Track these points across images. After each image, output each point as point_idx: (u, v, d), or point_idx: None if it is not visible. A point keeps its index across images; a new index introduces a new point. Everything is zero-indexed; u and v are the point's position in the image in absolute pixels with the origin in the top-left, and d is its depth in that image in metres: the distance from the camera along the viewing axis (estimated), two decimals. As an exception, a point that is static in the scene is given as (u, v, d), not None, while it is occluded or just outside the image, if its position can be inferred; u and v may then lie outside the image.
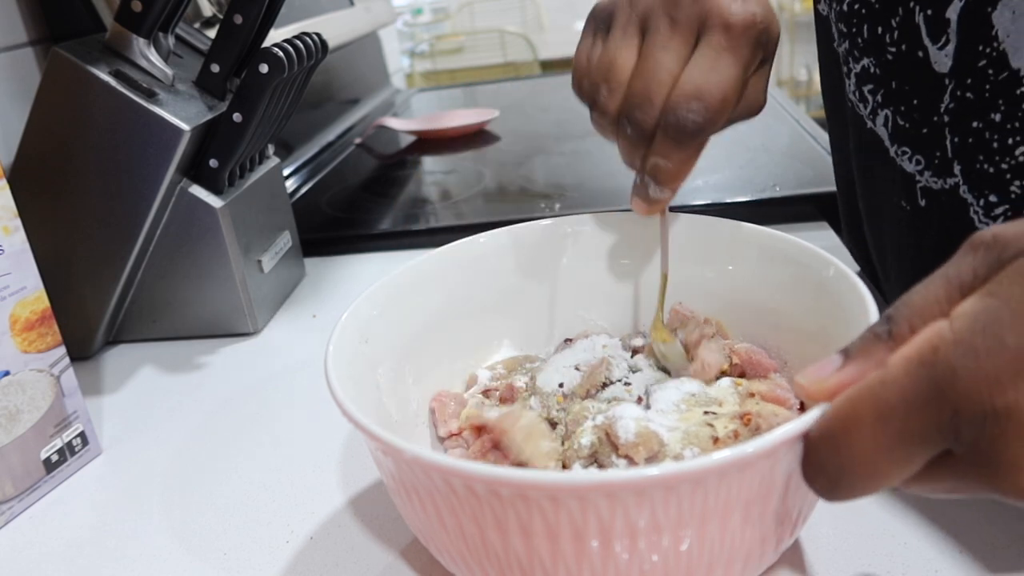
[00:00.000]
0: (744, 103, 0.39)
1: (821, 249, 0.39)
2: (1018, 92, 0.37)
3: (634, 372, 0.42)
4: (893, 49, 0.42)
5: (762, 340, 0.42)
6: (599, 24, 0.41)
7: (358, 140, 1.17)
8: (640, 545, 0.27)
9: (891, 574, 0.35)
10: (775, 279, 0.41)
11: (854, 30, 0.45)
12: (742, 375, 0.41)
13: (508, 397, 0.42)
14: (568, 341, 0.46)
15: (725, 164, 0.89)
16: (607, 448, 0.35)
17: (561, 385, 0.41)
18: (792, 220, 0.73)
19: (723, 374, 0.41)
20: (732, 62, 0.37)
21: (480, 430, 0.39)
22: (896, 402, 0.23)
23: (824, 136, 0.91)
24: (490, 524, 0.28)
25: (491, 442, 0.38)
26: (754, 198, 0.76)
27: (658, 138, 0.38)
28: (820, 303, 0.37)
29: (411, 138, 1.17)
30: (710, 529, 0.27)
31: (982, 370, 0.22)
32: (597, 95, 0.39)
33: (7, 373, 0.44)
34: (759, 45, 0.38)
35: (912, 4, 0.40)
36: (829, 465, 0.25)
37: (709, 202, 0.77)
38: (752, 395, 0.37)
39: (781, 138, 0.95)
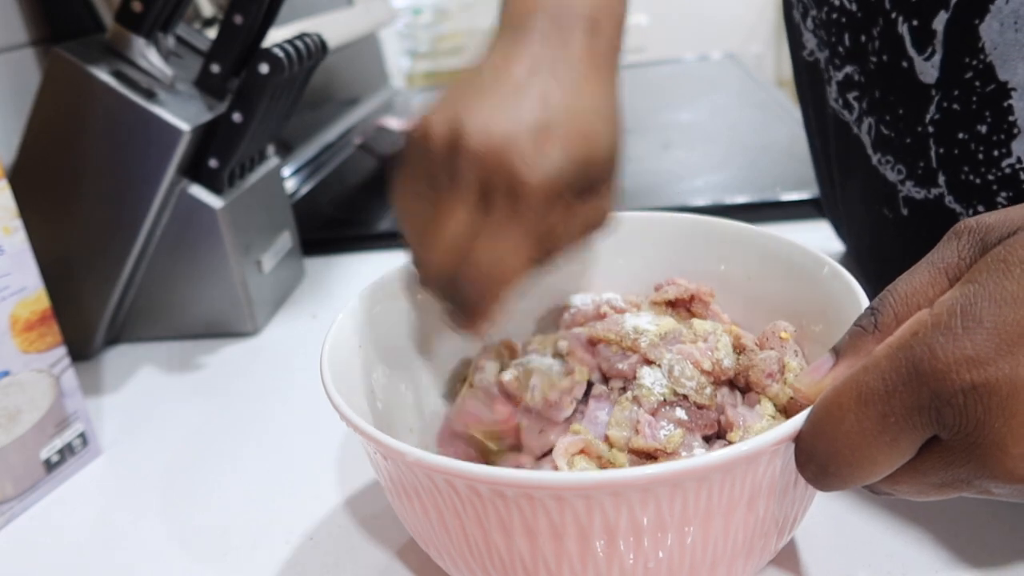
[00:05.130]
0: (582, 226, 0.35)
1: (816, 248, 0.39)
2: (1005, 104, 0.37)
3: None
4: (875, 59, 0.42)
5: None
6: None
7: (358, 140, 1.17)
8: (645, 543, 0.27)
9: (891, 574, 0.35)
10: (769, 279, 0.41)
11: (834, 39, 0.44)
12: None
13: (507, 393, 0.42)
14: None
15: (725, 164, 0.89)
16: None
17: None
18: (792, 220, 0.73)
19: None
20: (518, 238, 0.32)
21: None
22: (877, 385, 0.24)
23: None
24: (494, 525, 0.28)
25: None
26: (754, 199, 0.76)
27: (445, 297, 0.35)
28: (815, 302, 0.37)
29: (411, 138, 1.16)
30: (714, 525, 0.28)
31: (960, 348, 0.22)
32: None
33: (7, 373, 0.44)
34: (572, 192, 0.33)
35: (894, 15, 0.40)
36: (818, 453, 0.25)
37: (709, 203, 0.77)
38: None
39: (781, 139, 0.95)
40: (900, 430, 0.24)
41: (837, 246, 0.63)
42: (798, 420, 0.26)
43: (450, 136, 0.32)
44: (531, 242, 0.33)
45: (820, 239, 0.65)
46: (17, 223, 0.44)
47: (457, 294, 0.34)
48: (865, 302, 0.33)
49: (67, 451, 0.48)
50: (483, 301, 0.34)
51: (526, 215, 0.32)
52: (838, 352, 0.27)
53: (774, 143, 0.94)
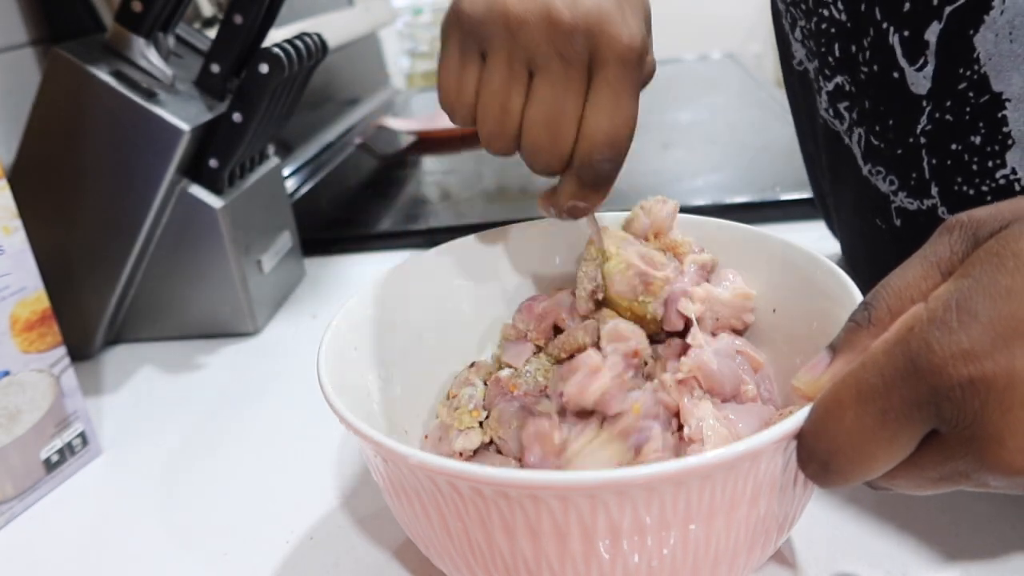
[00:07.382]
0: (647, 78, 0.39)
1: (813, 247, 0.39)
2: (999, 115, 0.36)
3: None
4: (866, 69, 0.42)
5: (753, 340, 0.42)
6: (468, 41, 0.37)
7: (358, 140, 1.17)
8: (649, 542, 0.27)
9: (891, 573, 0.35)
10: (764, 279, 0.41)
11: (823, 49, 0.44)
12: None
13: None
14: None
15: (725, 164, 0.89)
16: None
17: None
18: (792, 220, 0.73)
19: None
20: (632, 95, 0.36)
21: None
22: (875, 382, 0.24)
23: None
24: (497, 527, 0.28)
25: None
26: (754, 199, 0.76)
27: (572, 182, 0.37)
28: (811, 302, 0.37)
29: (411, 138, 1.17)
30: (717, 523, 0.28)
31: (956, 342, 0.22)
32: (488, 136, 0.38)
33: (7, 373, 0.44)
34: (647, 64, 0.37)
35: (885, 25, 0.39)
36: (819, 450, 0.26)
37: (709, 202, 0.77)
38: None
39: (781, 138, 0.95)
40: (900, 426, 0.24)
41: (836, 246, 0.63)
42: (799, 418, 0.26)
43: (541, 15, 0.35)
44: (637, 101, 0.36)
45: (819, 238, 0.65)
46: (17, 223, 0.44)
47: (586, 175, 0.37)
48: (860, 299, 0.33)
49: (67, 451, 0.48)
50: (617, 169, 0.37)
51: (633, 76, 0.36)
52: (834, 349, 0.27)
53: (774, 143, 0.94)
